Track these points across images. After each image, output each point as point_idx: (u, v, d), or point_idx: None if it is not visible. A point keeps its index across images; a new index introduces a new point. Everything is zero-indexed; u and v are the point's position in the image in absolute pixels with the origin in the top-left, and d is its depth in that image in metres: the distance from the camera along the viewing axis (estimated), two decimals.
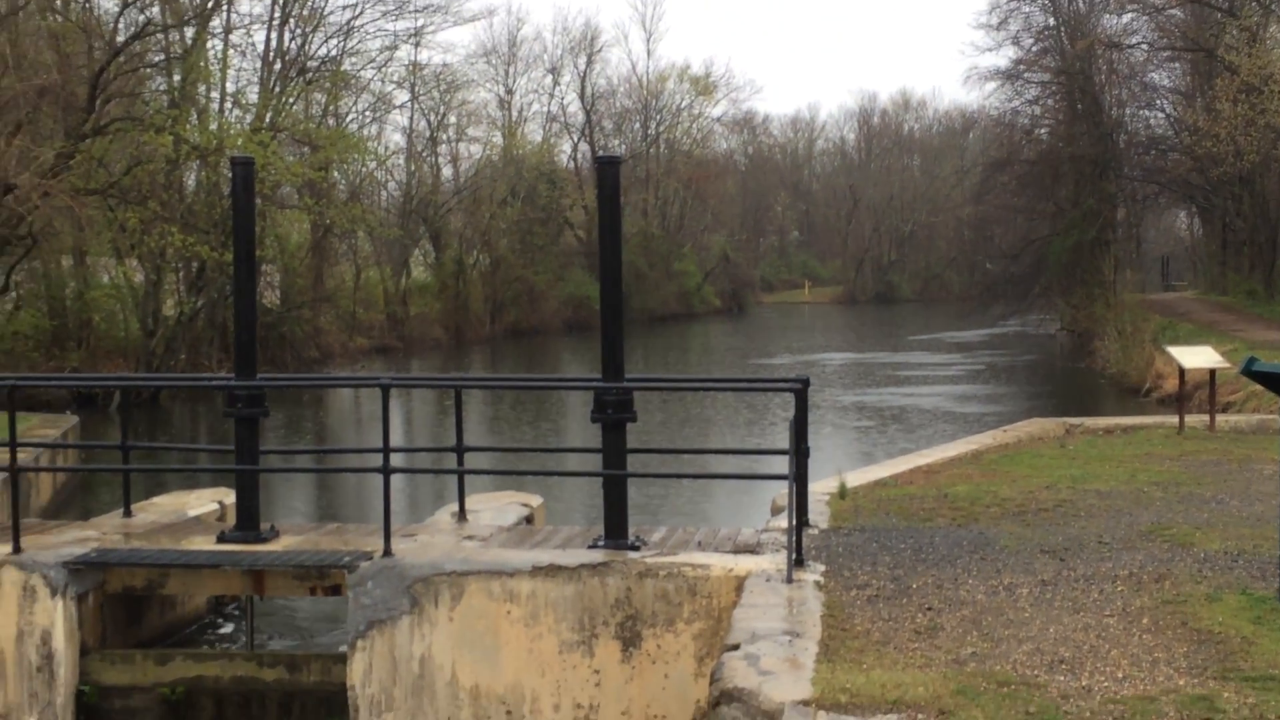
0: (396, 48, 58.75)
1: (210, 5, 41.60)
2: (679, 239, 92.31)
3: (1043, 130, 55.49)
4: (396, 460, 11.13)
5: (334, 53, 50.83)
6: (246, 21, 48.65)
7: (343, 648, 10.44)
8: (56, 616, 10.09)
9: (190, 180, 43.53)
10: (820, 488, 12.75)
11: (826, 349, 58.78)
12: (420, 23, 57.75)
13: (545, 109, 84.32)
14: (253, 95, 46.54)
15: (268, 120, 42.77)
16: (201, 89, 43.15)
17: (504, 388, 37.59)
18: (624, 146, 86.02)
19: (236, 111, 45.43)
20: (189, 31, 41.24)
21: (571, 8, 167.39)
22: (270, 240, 43.77)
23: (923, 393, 39.21)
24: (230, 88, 46.61)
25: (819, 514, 11.58)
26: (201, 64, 41.15)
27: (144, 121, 35.12)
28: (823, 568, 9.60)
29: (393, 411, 10.62)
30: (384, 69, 56.58)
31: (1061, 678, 6.94)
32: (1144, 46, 50.38)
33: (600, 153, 63.40)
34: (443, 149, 72.21)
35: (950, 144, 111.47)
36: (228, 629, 13.17)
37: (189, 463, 22.17)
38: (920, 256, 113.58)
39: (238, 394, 10.93)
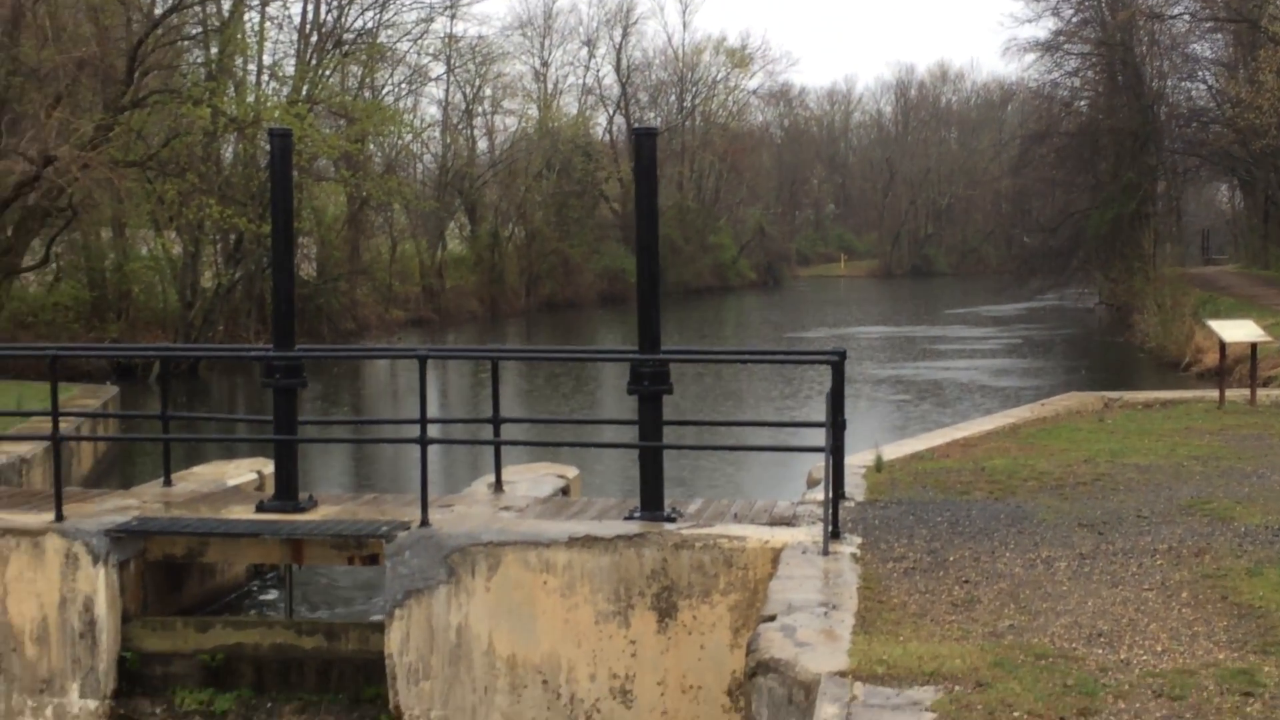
0: (432, 20, 58.92)
1: None
2: (714, 212, 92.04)
3: (1082, 102, 55.02)
4: (433, 431, 11.17)
5: (370, 25, 50.87)
6: None
7: (380, 617, 10.51)
8: (99, 584, 10.20)
9: (227, 153, 43.73)
10: (856, 461, 12.72)
11: (862, 323, 58.59)
12: None
13: (580, 81, 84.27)
14: (289, 68, 46.68)
15: (304, 93, 42.91)
16: (238, 61, 43.25)
17: (541, 359, 37.67)
18: (659, 119, 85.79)
19: (273, 84, 45.60)
20: (226, 4, 41.36)
21: None
22: (307, 213, 43.92)
23: (959, 367, 39.05)
24: (267, 60, 46.75)
25: (855, 487, 11.57)
26: (238, 36, 41.24)
27: (182, 94, 35.25)
28: (859, 540, 9.59)
29: (429, 383, 10.65)
30: (420, 41, 56.69)
31: (1100, 651, 6.92)
32: (1186, 17, 49.88)
33: (636, 125, 63.27)
34: (478, 122, 72.31)
35: (988, 116, 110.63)
36: (266, 597, 13.29)
37: (228, 433, 22.32)
38: (957, 230, 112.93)
39: (276, 365, 10.99)
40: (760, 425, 17.31)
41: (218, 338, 39.78)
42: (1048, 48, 53.46)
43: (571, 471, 14.16)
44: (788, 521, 10.30)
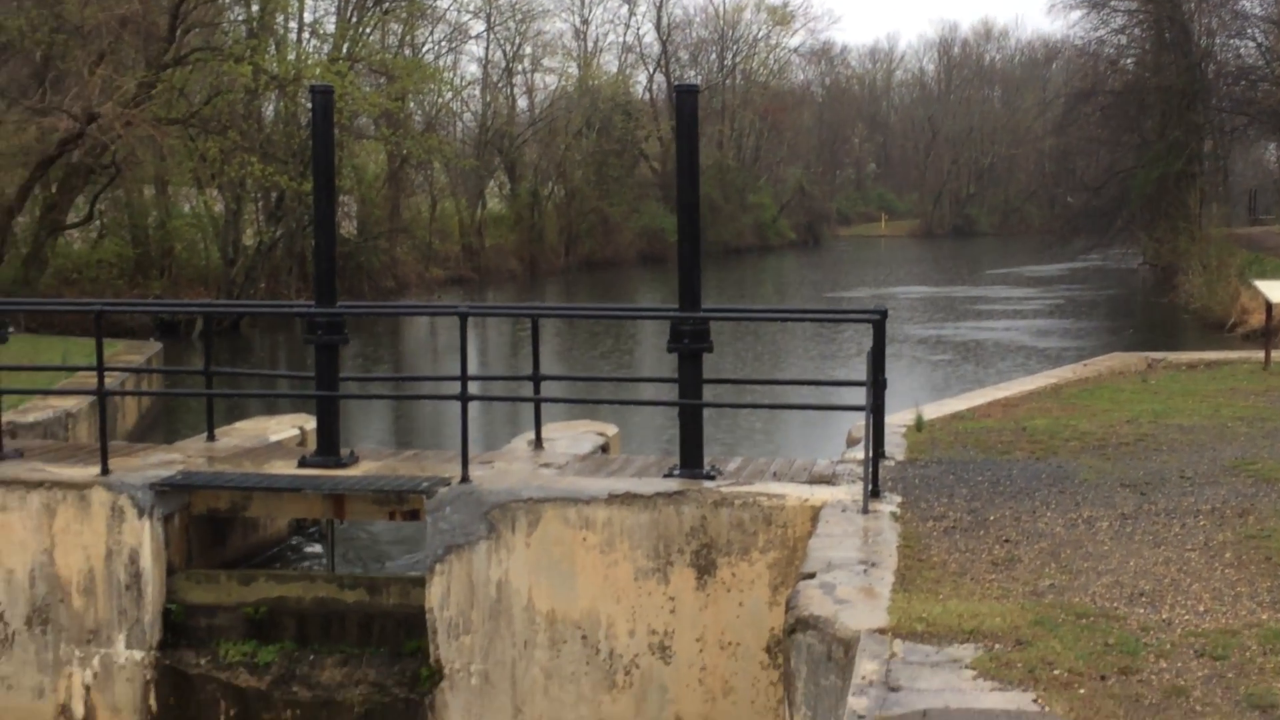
0: None
1: None
2: (754, 171, 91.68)
3: (1129, 60, 54.32)
4: (474, 388, 11.19)
5: None
6: None
7: (421, 571, 10.58)
8: (144, 536, 10.31)
9: (269, 110, 43.84)
10: (897, 420, 12.69)
11: (903, 282, 58.30)
12: None
13: (621, 39, 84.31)
14: (330, 25, 46.66)
15: (345, 50, 42.89)
16: (279, 19, 43.31)
17: (581, 317, 37.66)
18: (700, 78, 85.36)
19: (314, 41, 45.59)
20: None
21: None
22: (348, 171, 44.04)
23: (1001, 327, 38.83)
24: (308, 18, 46.79)
25: (895, 446, 11.54)
26: None
27: (223, 51, 35.35)
28: (899, 499, 9.57)
29: (469, 341, 10.67)
30: None
31: (1141, 610, 6.89)
32: None
33: (676, 83, 62.91)
34: (518, 80, 72.17)
35: (1032, 75, 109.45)
36: (308, 551, 13.41)
37: (270, 389, 22.46)
38: (999, 189, 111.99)
39: (318, 321, 11.04)
40: (800, 384, 17.23)
41: (259, 295, 40.04)
42: (1094, 4, 52.76)
43: (611, 429, 14.17)
44: (827, 480, 10.29)
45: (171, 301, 34.95)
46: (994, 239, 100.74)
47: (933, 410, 13.58)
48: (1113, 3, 52.67)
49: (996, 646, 6.23)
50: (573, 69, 76.35)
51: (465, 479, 10.22)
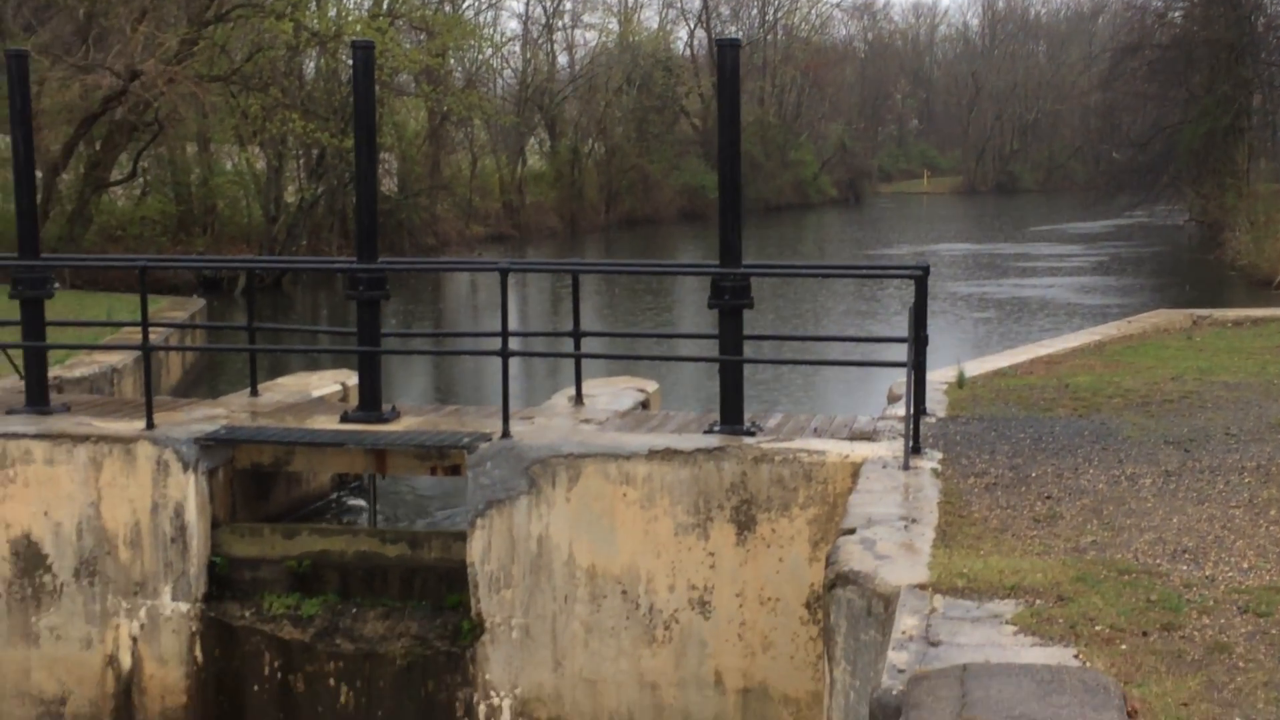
0: None
1: None
2: (796, 128, 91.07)
3: (1176, 13, 53.50)
4: (514, 344, 11.23)
5: None
6: None
7: (462, 526, 10.65)
8: (189, 490, 10.42)
9: (309, 67, 43.89)
10: (938, 377, 12.62)
11: (945, 240, 57.94)
12: None
13: None
14: None
15: (385, 6, 42.81)
16: None
17: (622, 272, 37.67)
18: (741, 33, 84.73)
19: None
20: None
21: None
22: (388, 128, 44.04)
23: (1044, 284, 38.56)
24: None
25: (936, 403, 11.49)
26: None
27: (264, 8, 35.34)
28: (940, 455, 9.54)
29: (509, 298, 10.69)
30: None
31: (1184, 567, 6.85)
32: None
33: (717, 37, 62.70)
34: (558, 36, 71.91)
35: (1078, 29, 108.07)
36: (350, 506, 13.51)
37: (312, 345, 22.58)
38: (1043, 146, 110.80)
39: (360, 276, 11.07)
40: (841, 340, 17.20)
41: (301, 252, 40.21)
42: None
43: (651, 385, 14.18)
44: (868, 437, 10.26)
45: (215, 258, 35.18)
46: (1038, 196, 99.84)
47: (974, 367, 13.51)
48: None
49: (1038, 602, 6.21)
50: (613, 25, 76.07)
51: (506, 434, 10.26)
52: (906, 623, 6.01)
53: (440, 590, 10.45)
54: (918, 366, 9.99)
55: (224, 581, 10.61)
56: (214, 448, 10.62)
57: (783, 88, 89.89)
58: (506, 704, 10.02)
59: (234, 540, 10.69)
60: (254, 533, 10.77)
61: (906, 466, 9.18)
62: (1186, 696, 5.14)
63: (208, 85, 33.44)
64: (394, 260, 20.19)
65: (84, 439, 10.55)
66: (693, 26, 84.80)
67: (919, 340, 10.01)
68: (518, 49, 67.24)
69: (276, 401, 12.36)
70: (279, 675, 10.35)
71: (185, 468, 10.41)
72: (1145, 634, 5.84)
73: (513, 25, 68.24)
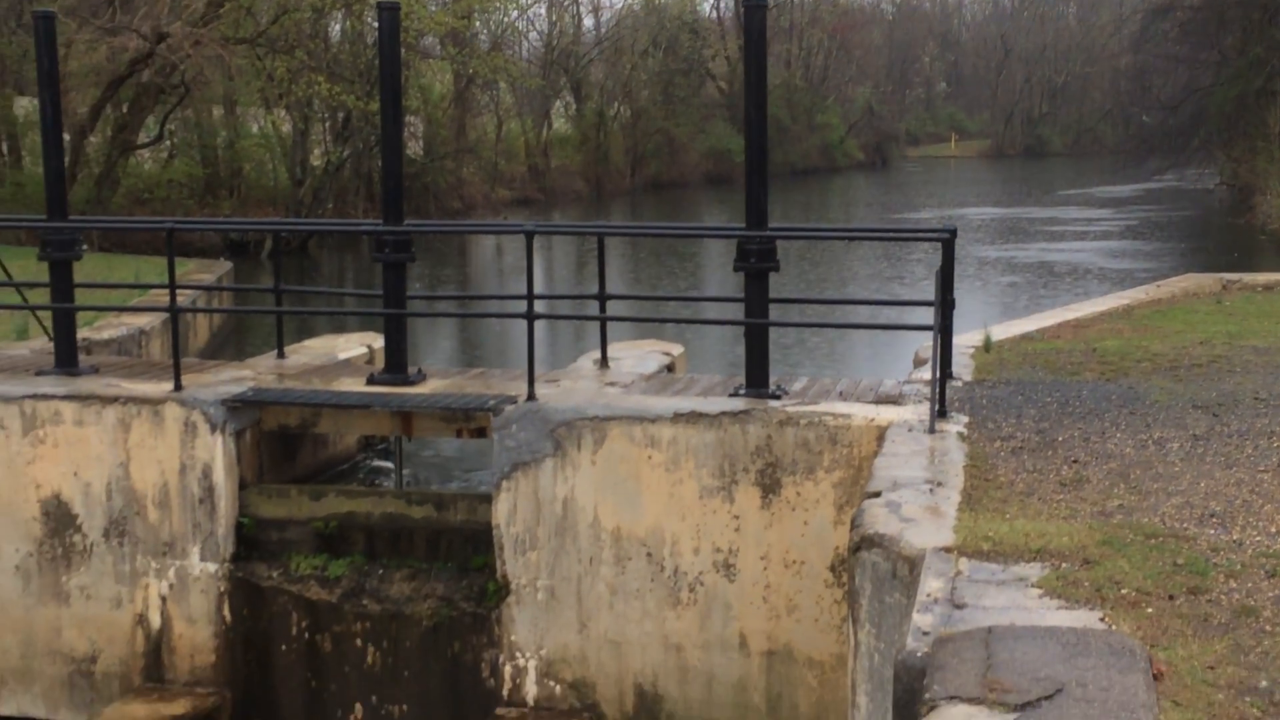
0: None
1: None
2: (822, 91, 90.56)
3: None
4: (540, 307, 11.22)
5: None
6: None
7: (488, 488, 10.68)
8: (216, 451, 10.47)
9: (335, 30, 43.82)
10: (964, 341, 12.58)
11: (973, 203, 57.62)
12: None
13: None
14: None
15: None
16: None
17: (647, 235, 37.62)
18: None
19: None
20: None
21: None
22: (414, 91, 43.99)
23: (1072, 248, 38.34)
24: None
25: (963, 367, 11.45)
26: None
27: None
28: (966, 419, 9.52)
29: (535, 261, 10.68)
30: None
31: (1212, 531, 6.82)
32: None
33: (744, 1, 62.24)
34: None
35: None
36: (376, 468, 13.58)
37: (338, 307, 22.65)
38: (1073, 109, 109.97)
39: (386, 239, 11.07)
40: (867, 304, 17.13)
41: (326, 215, 40.30)
42: None
43: (676, 349, 14.19)
44: (893, 400, 10.24)
45: (241, 220, 35.27)
46: (1066, 159, 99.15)
47: (1001, 331, 13.45)
48: None
49: (1063, 565, 6.20)
50: None
51: (531, 397, 10.27)
52: (931, 585, 6.01)
53: (466, 552, 10.50)
54: (944, 330, 9.94)
55: (251, 542, 10.68)
56: (241, 409, 10.67)
57: (809, 50, 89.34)
58: (532, 665, 10.08)
59: (261, 501, 10.75)
60: (281, 494, 10.83)
61: (932, 430, 9.16)
62: (1213, 659, 5.13)
63: (233, 48, 33.44)
64: (420, 223, 20.20)
65: (113, 400, 10.61)
66: None
67: (946, 303, 9.95)
68: (543, 11, 67.00)
69: (303, 364, 12.41)
70: (306, 635, 10.43)
71: (213, 429, 10.47)
72: (1172, 597, 5.82)
73: None
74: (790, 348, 21.19)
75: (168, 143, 40.34)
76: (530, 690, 10.10)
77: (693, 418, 9.77)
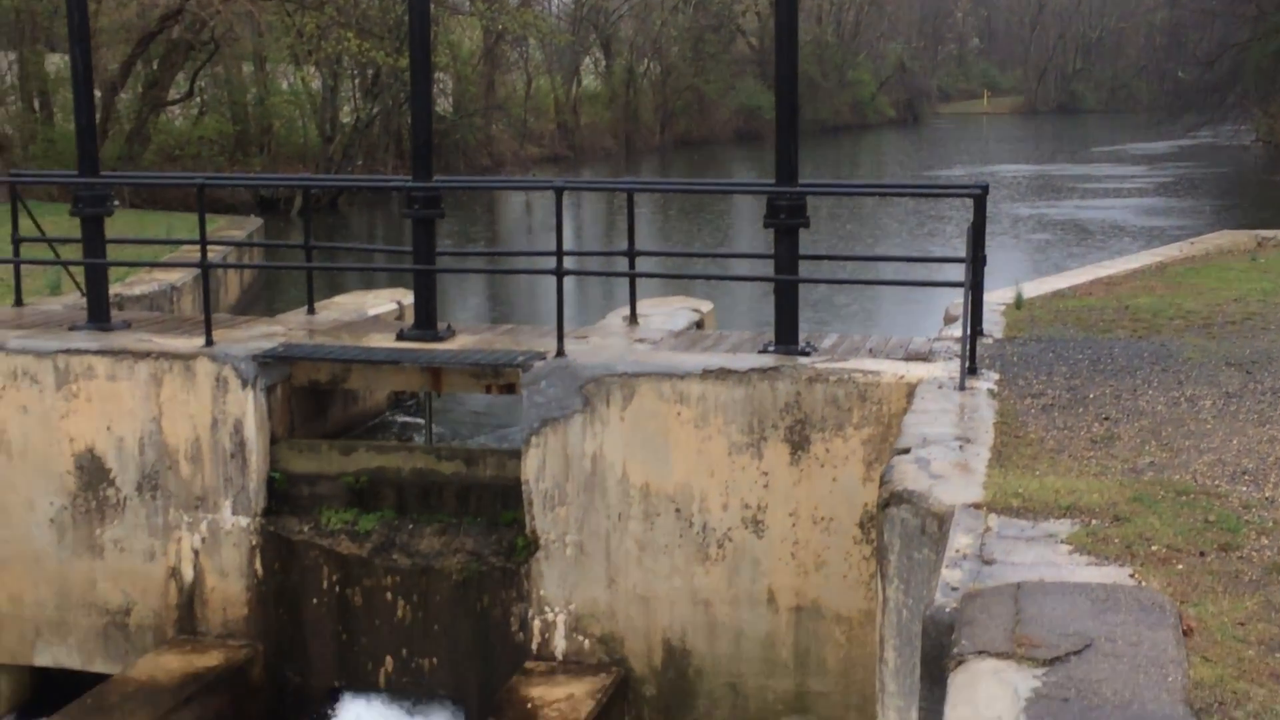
0: None
1: None
2: (853, 47, 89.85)
3: None
4: (569, 264, 11.20)
5: None
6: None
7: (516, 444, 10.71)
8: (247, 406, 10.53)
9: None
10: (995, 298, 12.51)
11: (1005, 160, 57.18)
12: None
13: None
14: None
15: None
16: None
17: (677, 191, 37.50)
18: None
19: None
20: None
21: None
22: (443, 47, 43.88)
23: (1106, 205, 38.04)
24: None
25: (993, 324, 11.40)
26: None
27: None
28: (996, 376, 9.47)
29: (564, 218, 10.65)
30: None
31: (1244, 488, 6.78)
32: None
33: None
34: None
35: None
36: (406, 423, 13.63)
37: (368, 263, 22.67)
38: (1107, 65, 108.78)
39: (415, 195, 11.07)
40: (898, 260, 17.04)
41: (356, 172, 40.32)
42: None
43: (705, 305, 14.17)
44: (923, 357, 10.20)
45: (271, 176, 35.33)
46: (1100, 116, 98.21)
47: (1033, 288, 13.38)
48: None
49: (1093, 522, 6.18)
50: None
51: (560, 353, 10.28)
52: (960, 541, 6.00)
53: (495, 507, 10.54)
54: (975, 287, 9.89)
55: (283, 497, 10.75)
56: (272, 365, 10.72)
57: (841, 6, 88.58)
58: (560, 619, 10.14)
59: (292, 456, 10.82)
60: (312, 449, 10.89)
61: (962, 387, 9.13)
62: (1243, 616, 5.11)
63: (263, 3, 33.40)
64: (449, 179, 20.16)
65: (145, 355, 10.67)
66: None
67: (977, 260, 9.89)
68: None
69: (333, 320, 12.45)
70: (337, 589, 10.51)
71: (244, 384, 10.52)
72: (1202, 554, 5.80)
73: None
74: (820, 305, 21.13)
75: (198, 99, 40.40)
76: (559, 644, 10.16)
77: (722, 374, 9.76)
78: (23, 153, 32.88)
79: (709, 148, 68.22)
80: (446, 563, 10.30)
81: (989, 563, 5.69)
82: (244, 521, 10.61)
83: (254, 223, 25.56)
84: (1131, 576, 5.49)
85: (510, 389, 10.78)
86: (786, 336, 10.37)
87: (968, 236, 9.63)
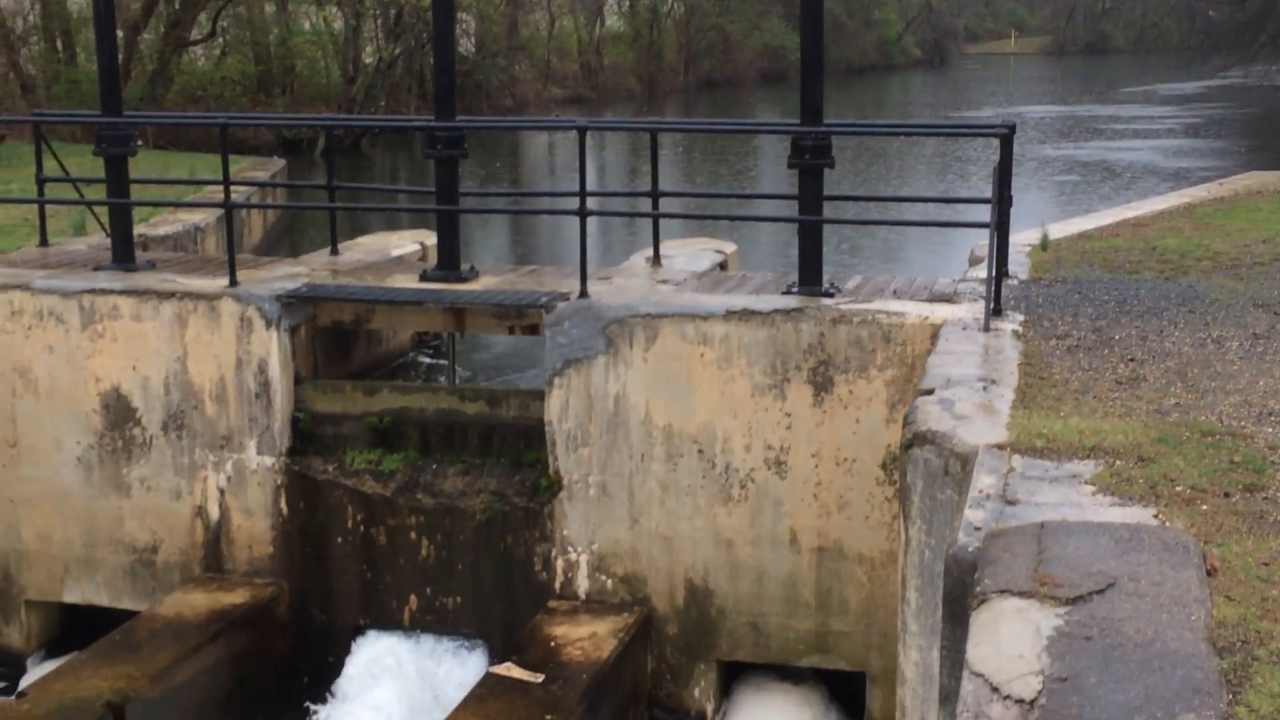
0: None
1: None
2: None
3: None
4: (592, 204, 11.16)
5: None
6: None
7: (539, 385, 10.72)
8: (272, 347, 10.56)
9: None
10: (1021, 239, 12.42)
11: (1032, 101, 56.66)
12: None
13: None
14: None
15: None
16: None
17: (701, 131, 37.29)
18: None
19: None
20: None
21: None
22: None
23: (1134, 147, 37.69)
24: None
25: (1019, 265, 11.32)
26: None
27: None
28: (1021, 317, 9.42)
29: (587, 159, 10.60)
30: None
31: (1270, 429, 6.75)
32: None
33: None
34: None
35: None
36: (429, 364, 13.66)
37: (391, 204, 22.67)
38: (1136, 4, 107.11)
39: (438, 135, 11.02)
40: (923, 201, 16.90)
41: (379, 113, 40.20)
42: None
43: (729, 247, 14.11)
44: (948, 299, 10.15)
45: (294, 116, 35.26)
46: (1129, 56, 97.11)
47: (1059, 230, 13.27)
48: None
49: (1117, 463, 6.16)
50: None
51: (584, 294, 10.26)
52: (984, 482, 6.00)
53: (519, 447, 10.57)
54: (1001, 227, 9.82)
55: (307, 436, 10.80)
56: (296, 305, 10.73)
57: None
58: (583, 559, 10.19)
59: (316, 396, 10.86)
60: (336, 389, 10.92)
61: (987, 328, 9.09)
62: (1267, 556, 5.10)
63: None
64: (472, 118, 20.09)
65: (169, 295, 10.70)
66: None
67: (1003, 201, 9.82)
68: None
69: (356, 260, 12.45)
70: (361, 528, 10.58)
71: (268, 325, 10.54)
72: (1227, 495, 5.78)
73: None
74: (844, 245, 21.04)
75: (220, 40, 40.26)
76: (582, 584, 10.22)
77: (745, 315, 9.74)
78: (46, 93, 32.87)
79: (733, 89, 67.75)
80: (470, 503, 10.35)
81: (1012, 503, 5.68)
82: (269, 461, 10.67)
83: (277, 164, 25.53)
84: (1155, 517, 5.48)
85: (533, 330, 10.78)
86: (810, 278, 10.34)
87: (994, 177, 9.56)
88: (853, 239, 22.00)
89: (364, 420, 10.80)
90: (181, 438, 10.77)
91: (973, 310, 9.62)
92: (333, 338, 11.49)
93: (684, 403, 9.86)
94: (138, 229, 13.34)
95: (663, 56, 66.61)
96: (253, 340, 10.57)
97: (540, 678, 8.98)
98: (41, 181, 12.41)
